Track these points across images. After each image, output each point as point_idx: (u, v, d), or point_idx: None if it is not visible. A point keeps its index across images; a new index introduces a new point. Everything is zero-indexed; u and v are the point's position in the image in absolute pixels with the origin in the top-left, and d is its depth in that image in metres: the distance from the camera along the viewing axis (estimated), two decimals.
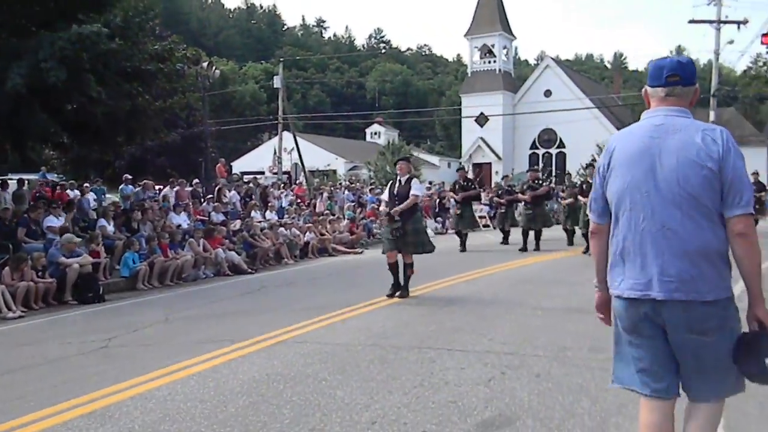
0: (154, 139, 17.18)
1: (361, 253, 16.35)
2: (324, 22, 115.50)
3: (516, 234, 15.96)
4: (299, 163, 31.33)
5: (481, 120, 48.80)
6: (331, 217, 18.23)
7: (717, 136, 2.44)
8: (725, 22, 28.55)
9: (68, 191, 15.34)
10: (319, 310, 7.65)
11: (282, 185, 23.45)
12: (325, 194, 22.22)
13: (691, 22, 29.24)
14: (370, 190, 25.29)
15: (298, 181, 28.79)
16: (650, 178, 2.51)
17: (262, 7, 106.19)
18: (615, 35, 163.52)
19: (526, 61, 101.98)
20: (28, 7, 11.87)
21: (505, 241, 16.22)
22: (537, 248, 14.35)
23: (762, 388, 4.33)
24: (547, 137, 50.28)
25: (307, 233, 15.96)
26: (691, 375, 2.55)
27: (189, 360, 5.45)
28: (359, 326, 6.67)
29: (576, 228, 14.78)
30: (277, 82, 33.20)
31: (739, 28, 28.44)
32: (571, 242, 15.03)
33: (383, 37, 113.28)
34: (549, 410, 4.05)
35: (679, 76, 2.59)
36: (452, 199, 16.28)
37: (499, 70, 50.20)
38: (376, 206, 22.28)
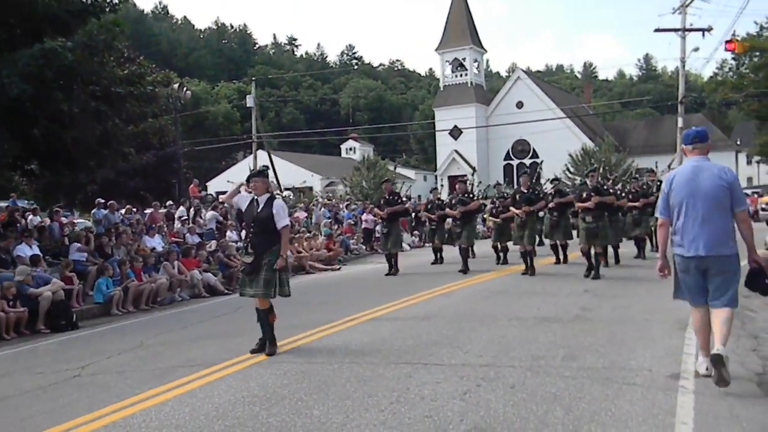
0: (123, 163, 17.02)
1: (339, 269, 16.35)
2: (295, 40, 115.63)
3: (451, 253, 14.66)
4: (275, 181, 31.26)
5: (455, 133, 49.26)
6: (308, 234, 18.20)
7: (727, 171, 4.80)
8: (690, 30, 29.21)
9: (38, 216, 15.16)
10: (296, 328, 7.62)
11: None
12: (303, 212, 22.23)
13: (657, 30, 29.87)
14: (346, 206, 25.32)
15: None
16: (695, 193, 4.77)
17: (232, 27, 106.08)
18: (584, 45, 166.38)
19: (498, 73, 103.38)
20: None
21: (438, 260, 15.01)
22: (465, 269, 12.58)
23: (730, 390, 4.44)
24: (521, 148, 50.94)
25: None
26: (715, 294, 4.72)
27: (164, 385, 5.40)
28: (336, 344, 6.67)
29: (508, 244, 13.88)
30: (249, 101, 33.27)
31: (703, 35, 29.13)
32: (504, 260, 14.09)
33: (355, 53, 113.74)
34: (523, 421, 4.09)
35: (697, 138, 4.93)
36: (378, 217, 14.50)
37: (471, 83, 50.85)
38: (351, 223, 22.23)
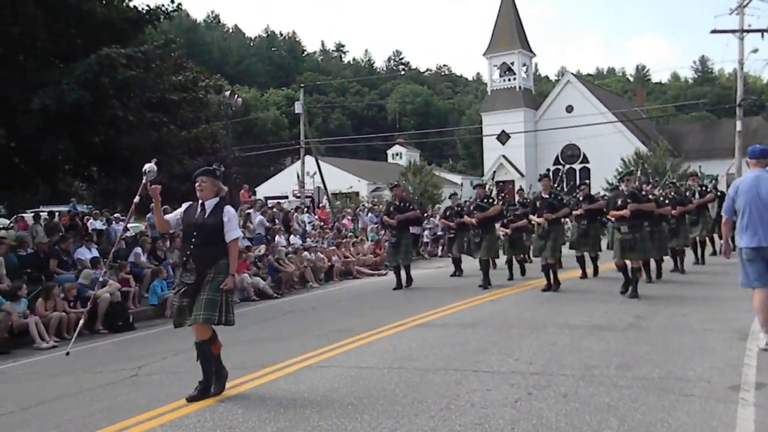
0: (178, 168, 17.48)
1: (386, 274, 16.38)
2: (343, 46, 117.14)
3: (472, 263, 13.23)
4: (322, 187, 31.57)
5: (503, 138, 48.80)
6: (355, 239, 18.31)
7: None
8: (748, 31, 28.21)
9: (98, 221, 15.72)
10: (344, 333, 7.69)
11: (305, 209, 23.64)
12: (349, 217, 22.38)
13: (714, 32, 28.95)
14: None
15: (321, 205, 29.00)
16: (757, 198, 5.95)
17: (282, 34, 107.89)
18: (637, 48, 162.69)
19: (547, 77, 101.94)
20: (54, 40, 12.28)
21: (458, 272, 13.92)
22: (486, 284, 11.31)
23: None
24: (570, 153, 50.09)
25: (332, 256, 16.05)
26: None
27: None
28: (385, 349, 6.68)
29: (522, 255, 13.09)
30: (298, 107, 33.63)
31: (762, 36, 28.00)
32: (511, 276, 12.51)
33: (402, 58, 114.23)
34: (576, 431, 4.02)
35: (762, 155, 6.11)
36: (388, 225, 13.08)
37: (520, 87, 50.33)
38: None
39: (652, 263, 11.23)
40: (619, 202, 9.69)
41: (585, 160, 49.15)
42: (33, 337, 9.05)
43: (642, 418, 4.19)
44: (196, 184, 5.34)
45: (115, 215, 16.53)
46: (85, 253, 11.73)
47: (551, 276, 10.45)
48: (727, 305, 8.23)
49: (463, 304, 9.58)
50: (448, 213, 14.91)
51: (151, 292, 11.61)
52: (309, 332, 8.32)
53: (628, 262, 9.57)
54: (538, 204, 10.91)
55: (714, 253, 14.44)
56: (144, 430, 4.51)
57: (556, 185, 14.92)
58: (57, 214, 16.65)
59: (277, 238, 16.41)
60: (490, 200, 11.98)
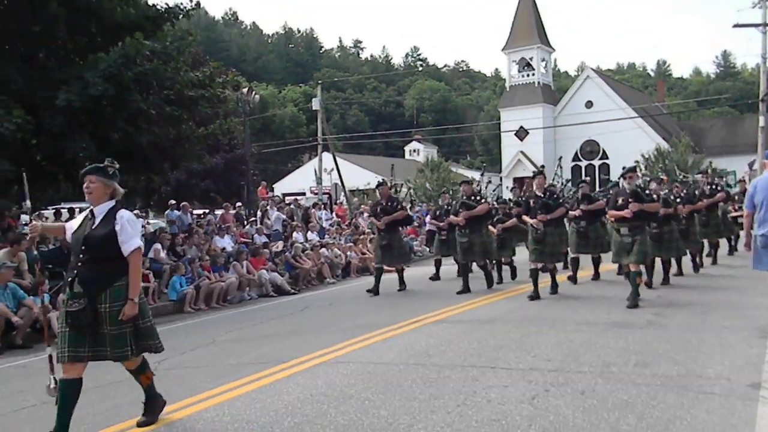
0: (197, 164, 17.61)
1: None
2: (361, 42, 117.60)
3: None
4: (339, 183, 31.62)
5: (521, 134, 48.50)
6: (372, 235, 18.31)
7: None
8: None
9: None
10: (361, 329, 7.71)
11: (323, 206, 23.71)
12: (366, 214, 22.38)
13: (736, 26, 28.69)
14: (410, 207, 25.35)
15: (338, 201, 29.05)
16: None
17: (299, 31, 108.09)
18: (658, 42, 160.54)
19: (566, 72, 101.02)
20: (75, 37, 12.43)
21: (437, 276, 13.11)
22: (465, 289, 10.59)
23: None
24: (590, 149, 49.64)
25: (349, 252, 16.08)
26: None
27: (235, 381, 5.56)
28: (402, 345, 6.69)
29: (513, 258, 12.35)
30: (315, 104, 33.70)
31: None
32: (500, 279, 11.83)
33: (420, 54, 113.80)
34: (594, 427, 4.00)
35: None
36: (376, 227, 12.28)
37: (539, 83, 49.94)
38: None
39: (658, 264, 10.36)
40: (620, 201, 8.75)
41: (605, 156, 48.67)
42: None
43: (660, 416, 4.16)
44: (84, 186, 4.40)
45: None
46: None
47: (551, 279, 9.81)
48: (748, 304, 8.13)
49: (480, 301, 9.57)
50: (438, 213, 13.82)
51: (170, 288, 11.73)
52: (326, 328, 8.36)
53: (632, 267, 8.61)
54: (531, 203, 9.91)
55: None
56: (164, 424, 4.57)
57: (561, 181, 13.77)
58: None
59: (294, 234, 16.49)
60: (478, 198, 11.05)
